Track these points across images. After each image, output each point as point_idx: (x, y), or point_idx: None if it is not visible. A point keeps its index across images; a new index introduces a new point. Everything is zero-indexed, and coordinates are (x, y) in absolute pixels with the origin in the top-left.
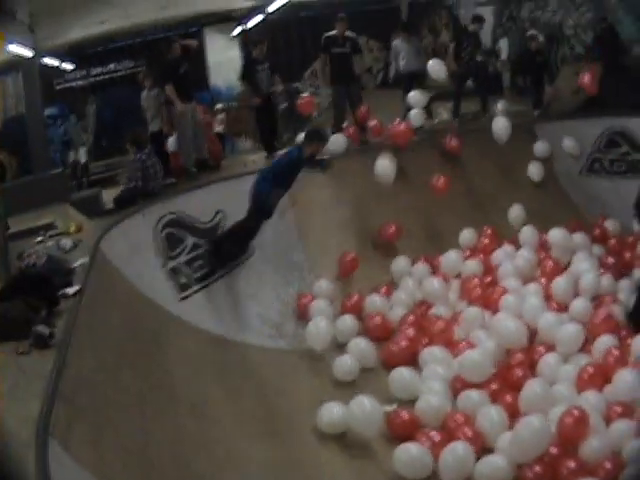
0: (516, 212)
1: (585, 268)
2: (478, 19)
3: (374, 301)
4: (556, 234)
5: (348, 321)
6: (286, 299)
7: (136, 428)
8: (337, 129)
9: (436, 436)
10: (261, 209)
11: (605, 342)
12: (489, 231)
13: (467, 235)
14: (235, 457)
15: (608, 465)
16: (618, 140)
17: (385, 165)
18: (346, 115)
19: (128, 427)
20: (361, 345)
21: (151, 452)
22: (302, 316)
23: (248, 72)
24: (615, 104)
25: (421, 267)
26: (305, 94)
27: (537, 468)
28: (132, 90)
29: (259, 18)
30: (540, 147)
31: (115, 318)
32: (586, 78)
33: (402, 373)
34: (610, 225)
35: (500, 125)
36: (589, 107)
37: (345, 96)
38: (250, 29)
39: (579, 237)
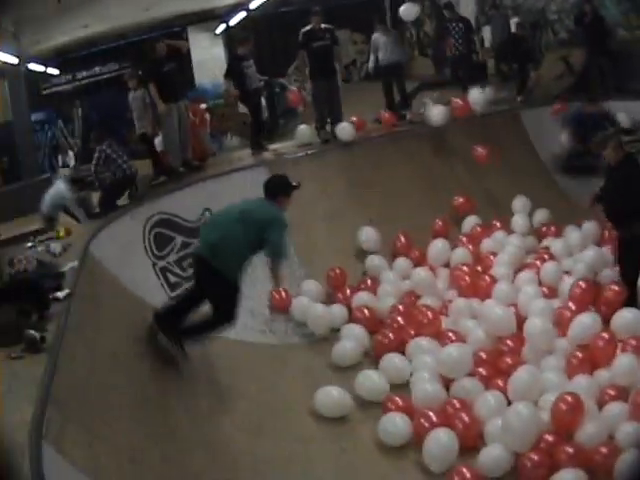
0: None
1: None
2: (448, 6)
3: (361, 296)
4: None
5: (339, 309)
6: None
7: (129, 429)
8: (319, 125)
9: (433, 417)
10: None
11: (584, 322)
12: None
13: (470, 222)
14: (230, 454)
15: (604, 450)
16: (604, 123)
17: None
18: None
19: (121, 428)
20: (355, 330)
21: (145, 452)
22: (278, 310)
23: (234, 69)
24: (600, 88)
25: (401, 261)
26: (293, 87)
27: (534, 456)
28: (117, 92)
29: (242, 15)
30: None
31: (106, 320)
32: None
33: (393, 359)
34: None
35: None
36: (574, 92)
37: (324, 92)
38: (233, 26)
39: (590, 226)
